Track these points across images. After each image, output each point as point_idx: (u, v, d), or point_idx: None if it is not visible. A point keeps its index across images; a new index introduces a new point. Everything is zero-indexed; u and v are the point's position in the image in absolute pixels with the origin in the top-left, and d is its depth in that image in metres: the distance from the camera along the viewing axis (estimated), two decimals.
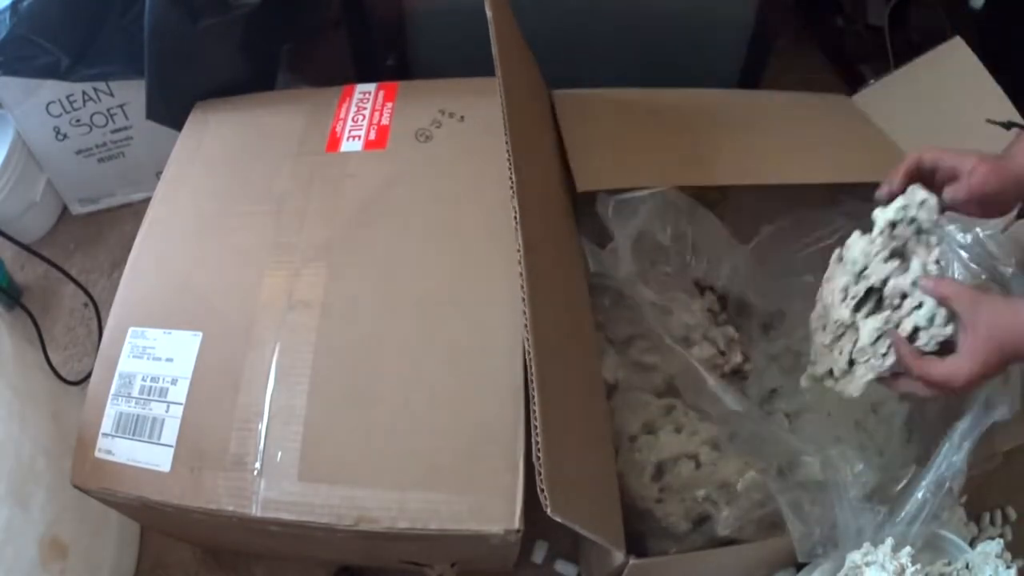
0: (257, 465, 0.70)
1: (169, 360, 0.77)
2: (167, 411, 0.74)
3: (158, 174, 1.29)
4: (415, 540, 0.69)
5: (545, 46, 0.98)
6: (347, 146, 0.90)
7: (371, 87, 0.97)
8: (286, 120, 0.95)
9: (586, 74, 1.08)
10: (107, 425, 0.75)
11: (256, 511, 0.68)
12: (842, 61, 1.59)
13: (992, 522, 1.04)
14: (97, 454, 0.74)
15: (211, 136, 0.95)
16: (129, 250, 1.26)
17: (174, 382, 0.75)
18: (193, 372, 0.75)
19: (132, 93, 1.15)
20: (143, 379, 0.76)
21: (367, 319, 0.76)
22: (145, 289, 0.83)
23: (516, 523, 0.65)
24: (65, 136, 1.19)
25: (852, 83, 1.55)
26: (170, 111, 1.06)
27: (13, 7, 0.92)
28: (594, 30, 1.06)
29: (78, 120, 1.17)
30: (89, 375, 1.03)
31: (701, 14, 1.09)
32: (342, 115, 0.94)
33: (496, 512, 0.65)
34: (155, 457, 0.72)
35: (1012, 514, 1.05)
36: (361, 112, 0.94)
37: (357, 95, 0.96)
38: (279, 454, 0.70)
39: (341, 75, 1.33)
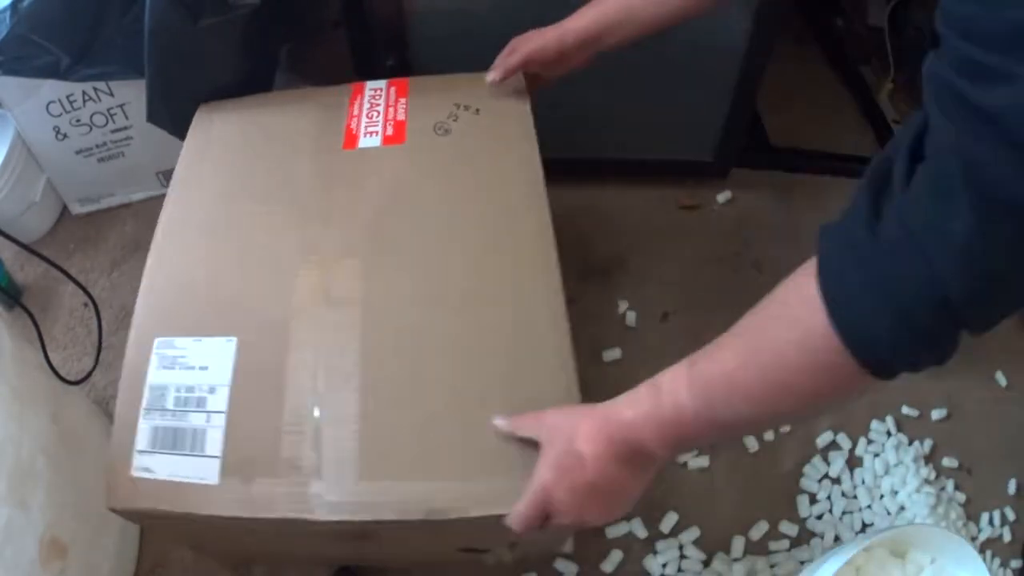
0: (314, 468, 0.68)
1: (203, 368, 0.74)
2: (208, 421, 0.71)
3: (158, 174, 1.31)
4: (481, 526, 0.68)
5: None
6: (365, 142, 0.90)
7: (381, 84, 0.97)
8: (296, 119, 0.94)
9: (574, 94, 1.07)
10: (142, 442, 0.71)
11: (319, 515, 0.66)
12: (842, 61, 1.59)
13: (991, 522, 1.05)
14: (134, 473, 0.70)
15: (218, 136, 0.95)
16: (129, 250, 1.27)
17: (212, 390, 0.73)
18: (232, 379, 0.73)
19: (132, 93, 1.15)
20: (177, 390, 0.73)
21: (408, 313, 0.75)
22: (168, 296, 0.80)
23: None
24: (65, 136, 1.19)
25: (852, 83, 1.56)
26: (171, 114, 1.06)
27: (13, 7, 0.92)
28: None
29: (78, 120, 1.18)
30: (89, 375, 1.04)
31: (693, 36, 1.09)
32: (355, 112, 0.93)
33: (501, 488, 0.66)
34: (200, 470, 0.69)
35: (1011, 514, 1.05)
36: (375, 108, 0.94)
37: (368, 92, 0.96)
38: (336, 455, 0.68)
39: (341, 75, 1.33)
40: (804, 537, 1.01)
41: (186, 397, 0.73)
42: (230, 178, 0.90)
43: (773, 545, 0.99)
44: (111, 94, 1.15)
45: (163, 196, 1.36)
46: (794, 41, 1.60)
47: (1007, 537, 1.04)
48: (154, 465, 0.70)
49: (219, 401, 0.72)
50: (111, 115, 1.19)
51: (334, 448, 0.69)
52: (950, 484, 1.07)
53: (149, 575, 0.97)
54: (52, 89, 1.12)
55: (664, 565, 0.98)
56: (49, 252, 0.98)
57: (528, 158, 0.85)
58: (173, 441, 0.71)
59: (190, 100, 1.06)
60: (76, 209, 1.32)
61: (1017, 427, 1.13)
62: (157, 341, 0.76)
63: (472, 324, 0.74)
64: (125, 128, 1.21)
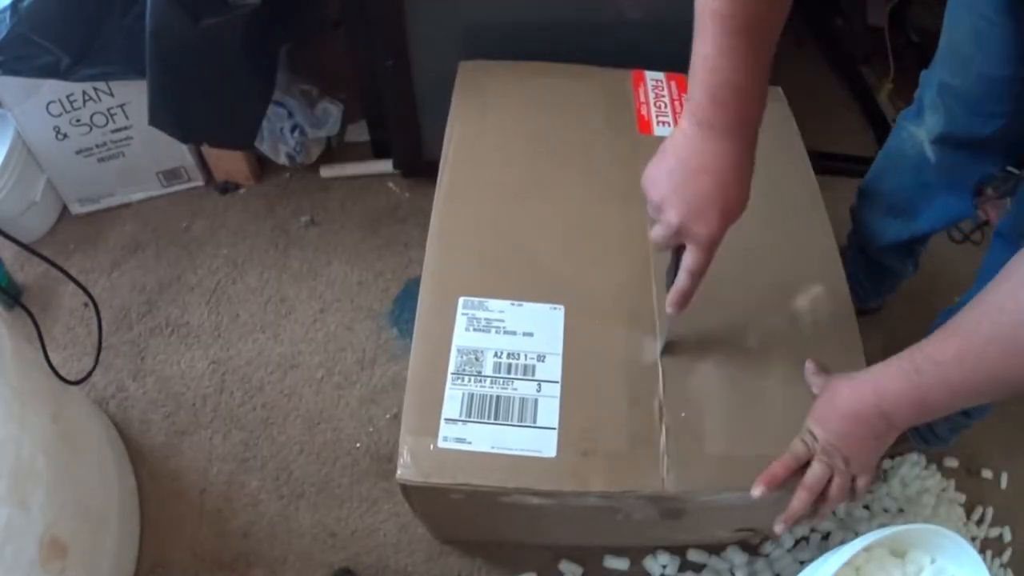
0: (663, 442, 0.66)
1: (528, 335, 0.71)
2: (539, 390, 0.68)
3: (158, 174, 1.31)
4: (781, 502, 0.70)
5: (539, 47, 0.98)
6: (660, 131, 0.91)
7: (660, 75, 0.98)
8: (579, 92, 0.94)
9: None
10: (451, 409, 0.67)
11: (668, 488, 0.65)
12: (842, 61, 1.59)
13: (991, 522, 1.05)
14: (442, 444, 0.65)
15: (495, 95, 0.93)
16: (129, 250, 1.27)
17: (541, 359, 0.69)
18: (564, 348, 0.70)
19: (132, 93, 1.15)
20: (496, 355, 0.69)
21: (739, 299, 0.76)
22: (467, 257, 0.77)
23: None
24: (65, 136, 1.19)
25: (852, 83, 1.56)
26: (172, 117, 1.06)
27: (13, 7, 0.92)
28: (589, 30, 1.06)
29: (78, 120, 1.17)
30: (89, 374, 1.04)
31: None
32: (642, 99, 0.94)
33: None
34: (533, 442, 0.66)
35: (1011, 514, 1.05)
36: (660, 99, 0.95)
37: (649, 81, 0.97)
38: (685, 429, 0.67)
39: (341, 75, 1.34)
40: (804, 537, 1.01)
41: (510, 363, 0.69)
42: (517, 142, 0.88)
43: (773, 545, 0.99)
44: (111, 94, 1.15)
45: (163, 196, 1.37)
46: (794, 41, 1.60)
47: (1007, 537, 1.04)
48: (470, 435, 0.66)
49: (550, 370, 0.69)
50: (111, 115, 1.18)
51: (682, 422, 0.68)
52: (950, 484, 1.07)
53: (149, 575, 0.97)
54: (52, 89, 1.11)
55: (664, 566, 0.98)
56: (49, 252, 0.98)
57: (804, 164, 0.89)
58: (495, 410, 0.67)
59: (191, 103, 1.06)
60: (76, 209, 1.32)
61: (1017, 427, 1.13)
62: (462, 300, 0.73)
63: (786, 315, 0.77)
64: (125, 128, 1.21)
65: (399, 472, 0.65)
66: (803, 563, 0.97)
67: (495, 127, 0.90)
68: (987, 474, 1.09)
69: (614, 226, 0.81)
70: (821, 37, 1.62)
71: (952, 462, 1.09)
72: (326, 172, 1.36)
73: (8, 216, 1.19)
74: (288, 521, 1.01)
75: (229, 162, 1.32)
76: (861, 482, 0.66)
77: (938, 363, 0.56)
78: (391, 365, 1.14)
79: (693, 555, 0.98)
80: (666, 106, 0.94)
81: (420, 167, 1.28)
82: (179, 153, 1.28)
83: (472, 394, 0.68)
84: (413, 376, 0.69)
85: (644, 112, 0.93)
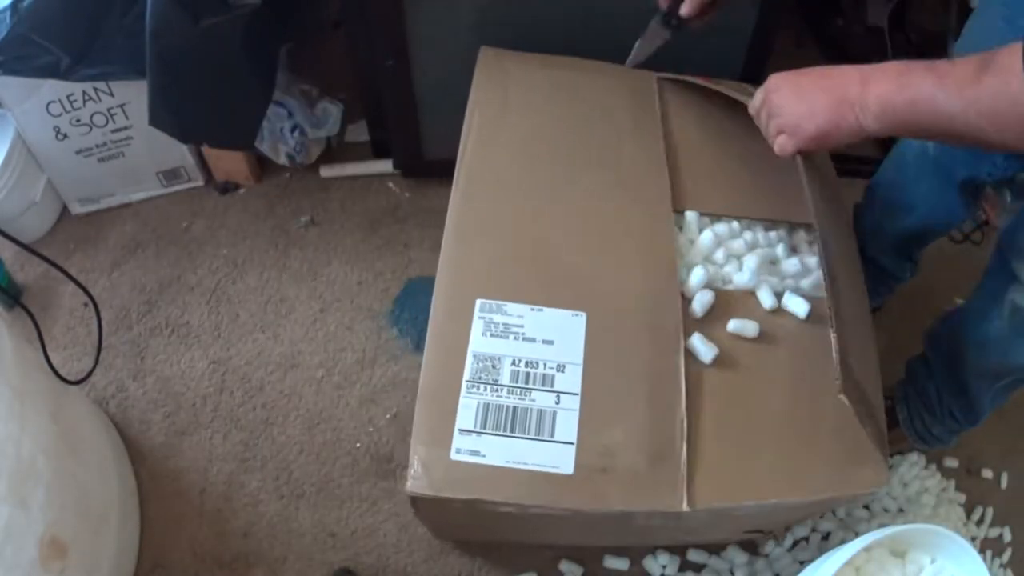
0: (683, 459, 0.64)
1: (548, 342, 0.67)
2: (558, 402, 0.64)
3: (158, 174, 1.31)
4: (793, 509, 0.70)
5: (541, 45, 0.98)
6: None
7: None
8: (606, 90, 0.89)
9: None
10: (466, 419, 0.63)
11: (685, 506, 0.62)
12: (842, 61, 1.59)
13: (991, 522, 1.05)
14: (454, 456, 0.62)
15: (517, 88, 0.88)
16: (129, 250, 1.27)
17: (561, 368, 0.66)
18: (585, 358, 0.67)
19: (132, 93, 1.15)
20: (514, 363, 0.66)
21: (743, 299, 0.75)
22: (484, 257, 0.72)
23: (886, 480, 0.69)
24: (65, 136, 1.19)
25: None
26: (172, 117, 1.06)
27: (13, 6, 0.92)
28: (591, 31, 1.06)
29: (78, 120, 1.17)
30: (89, 374, 1.04)
31: None
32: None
33: (869, 474, 0.68)
34: (550, 457, 0.62)
35: (1010, 514, 1.05)
36: None
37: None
38: (706, 444, 0.65)
39: (341, 75, 1.34)
40: (804, 537, 1.01)
41: (529, 372, 0.66)
42: (541, 137, 0.83)
43: (773, 545, 0.99)
44: (111, 94, 1.15)
45: (163, 196, 1.37)
46: (794, 41, 1.60)
47: (1007, 537, 1.04)
48: (485, 448, 0.62)
49: (570, 381, 0.66)
50: (111, 115, 1.18)
51: (705, 438, 0.65)
52: (950, 484, 1.07)
53: (149, 575, 0.97)
54: (52, 89, 1.11)
55: (664, 566, 0.98)
56: (49, 252, 0.98)
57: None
58: (511, 422, 0.64)
59: (192, 103, 1.06)
60: (76, 209, 1.32)
61: (1017, 427, 1.13)
62: (479, 303, 0.69)
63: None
64: (125, 128, 1.21)
65: (409, 484, 0.62)
66: (803, 563, 0.97)
67: (517, 118, 0.84)
68: (987, 474, 1.09)
69: (639, 231, 0.77)
70: (821, 37, 1.62)
71: (952, 462, 1.09)
72: (326, 172, 1.36)
73: (8, 216, 1.19)
74: (288, 521, 1.01)
75: (229, 162, 1.32)
76: (781, 139, 0.71)
77: (939, 74, 0.60)
78: (391, 365, 1.14)
79: (693, 555, 0.98)
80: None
81: (420, 167, 1.28)
82: (179, 153, 1.28)
83: (488, 404, 0.65)
84: (425, 382, 0.66)
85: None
